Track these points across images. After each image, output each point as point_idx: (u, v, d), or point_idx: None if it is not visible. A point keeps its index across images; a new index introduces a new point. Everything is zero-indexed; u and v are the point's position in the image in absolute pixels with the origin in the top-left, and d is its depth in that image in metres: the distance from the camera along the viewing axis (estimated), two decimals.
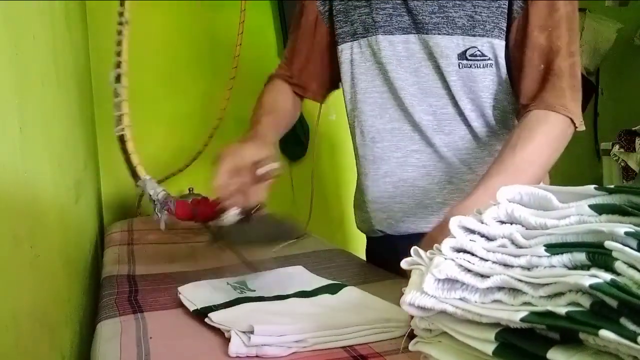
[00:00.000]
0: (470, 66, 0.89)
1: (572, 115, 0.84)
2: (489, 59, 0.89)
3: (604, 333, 0.33)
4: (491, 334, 0.39)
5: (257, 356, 0.61)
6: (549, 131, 0.83)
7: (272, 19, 2.27)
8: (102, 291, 0.93)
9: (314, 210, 2.25)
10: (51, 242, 0.79)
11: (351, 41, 0.97)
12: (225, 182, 0.81)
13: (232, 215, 0.83)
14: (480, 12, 0.86)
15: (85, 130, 1.59)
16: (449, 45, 0.88)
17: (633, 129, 2.20)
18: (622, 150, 2.22)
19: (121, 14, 1.14)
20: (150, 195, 0.96)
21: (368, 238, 1.11)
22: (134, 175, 1.02)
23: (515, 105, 0.92)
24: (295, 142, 2.32)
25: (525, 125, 0.84)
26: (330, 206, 2.26)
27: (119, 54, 1.13)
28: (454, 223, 0.45)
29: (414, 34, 0.91)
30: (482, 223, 0.45)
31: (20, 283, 0.59)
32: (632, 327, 0.33)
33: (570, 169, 2.90)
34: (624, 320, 0.34)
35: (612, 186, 0.44)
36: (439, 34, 0.89)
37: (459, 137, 0.94)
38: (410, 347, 0.48)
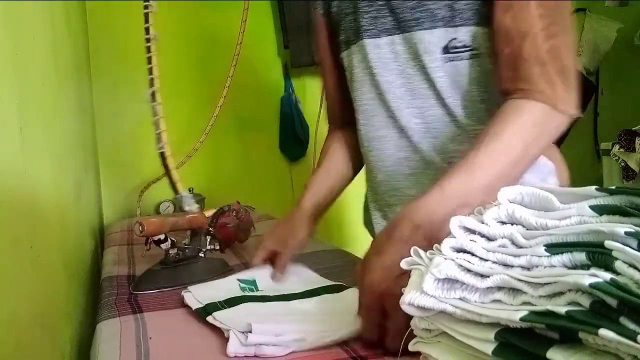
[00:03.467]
0: (455, 59, 0.84)
1: (552, 101, 0.74)
2: (473, 48, 0.82)
3: (604, 332, 0.33)
4: (491, 334, 0.39)
5: (255, 356, 0.61)
6: (522, 121, 0.74)
7: (272, 19, 2.27)
8: (101, 291, 0.93)
9: None
10: (51, 242, 0.79)
11: (346, 49, 0.96)
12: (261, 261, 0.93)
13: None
14: (459, 1, 0.81)
15: (85, 131, 1.59)
16: (431, 40, 0.84)
17: (633, 129, 2.19)
18: (622, 150, 2.22)
19: (147, 30, 1.13)
20: (185, 211, 1.12)
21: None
22: (174, 189, 1.16)
23: None
24: (295, 142, 2.32)
25: (495, 118, 0.76)
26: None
27: (150, 71, 1.13)
28: (454, 223, 0.45)
29: (398, 34, 0.88)
30: (483, 223, 0.45)
31: (20, 283, 0.59)
32: (631, 326, 0.33)
33: (571, 169, 2.89)
34: (623, 320, 0.34)
35: (613, 187, 0.44)
36: (421, 29, 0.84)
37: (448, 139, 0.89)
38: (410, 347, 0.47)
